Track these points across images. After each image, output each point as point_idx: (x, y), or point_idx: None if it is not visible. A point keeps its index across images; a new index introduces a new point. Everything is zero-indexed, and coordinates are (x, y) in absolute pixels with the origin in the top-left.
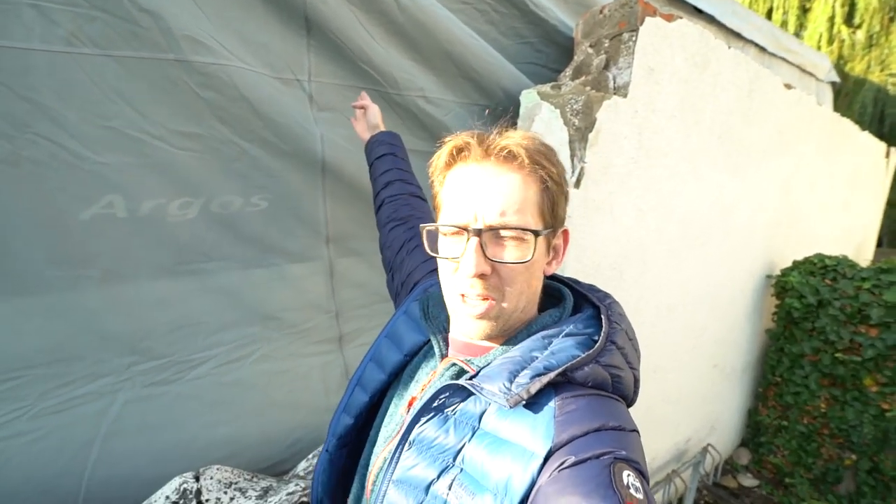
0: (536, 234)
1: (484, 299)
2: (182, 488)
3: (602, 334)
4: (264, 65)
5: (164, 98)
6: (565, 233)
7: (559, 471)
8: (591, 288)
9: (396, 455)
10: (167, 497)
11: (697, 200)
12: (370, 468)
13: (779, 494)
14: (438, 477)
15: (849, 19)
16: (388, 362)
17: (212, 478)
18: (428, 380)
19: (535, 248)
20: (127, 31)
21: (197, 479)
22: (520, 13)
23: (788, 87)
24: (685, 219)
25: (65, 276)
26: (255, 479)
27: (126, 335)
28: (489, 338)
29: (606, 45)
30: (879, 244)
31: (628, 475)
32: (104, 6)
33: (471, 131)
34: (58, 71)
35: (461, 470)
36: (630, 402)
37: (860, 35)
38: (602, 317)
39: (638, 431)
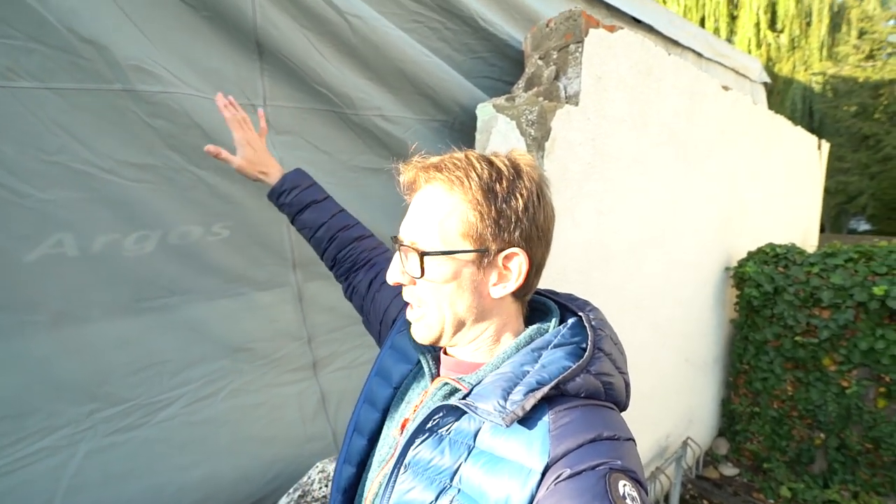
0: (423, 253)
1: (410, 307)
2: None
3: (589, 343)
4: (216, 90)
5: (112, 129)
6: (519, 256)
7: (555, 483)
8: (570, 297)
9: (392, 479)
10: None
11: (652, 199)
12: (365, 494)
13: (759, 480)
14: (436, 499)
15: (772, 25)
16: (380, 399)
17: None
18: (420, 400)
19: (422, 266)
20: (68, 63)
21: None
22: (471, 29)
23: (726, 88)
24: (642, 218)
25: (8, 323)
26: None
27: (83, 381)
28: (437, 344)
29: (555, 56)
30: (822, 230)
31: (624, 485)
32: (42, 38)
33: (413, 159)
34: None
35: (459, 490)
36: (623, 406)
37: (784, 39)
38: (585, 325)
39: (633, 440)
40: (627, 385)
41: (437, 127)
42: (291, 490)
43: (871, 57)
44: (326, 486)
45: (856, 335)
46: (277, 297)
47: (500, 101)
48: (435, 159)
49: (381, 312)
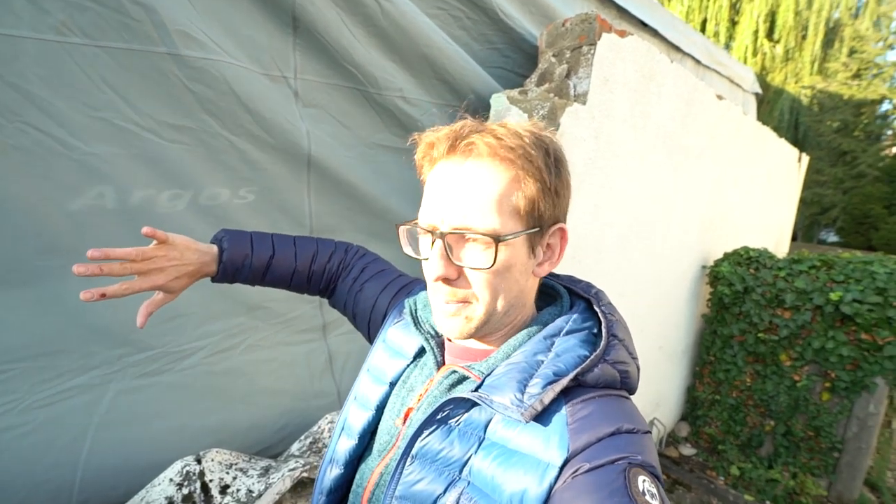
0: (498, 239)
1: (450, 302)
2: (185, 471)
3: (603, 330)
4: (252, 61)
5: (155, 90)
6: (562, 230)
7: (573, 477)
8: (571, 279)
9: (398, 471)
10: (171, 480)
11: (644, 196)
12: (364, 486)
13: (713, 460)
14: (445, 491)
15: (770, 34)
16: (374, 398)
17: (213, 460)
18: (424, 388)
19: (496, 255)
20: (118, 23)
21: (199, 461)
22: (490, 21)
23: (720, 97)
24: (634, 213)
25: (53, 266)
26: (253, 461)
27: (115, 327)
28: (471, 337)
29: (568, 55)
30: (795, 238)
31: (643, 480)
32: None
33: (441, 127)
34: (47, 59)
35: (468, 483)
36: (633, 392)
37: (779, 49)
38: (596, 309)
39: (650, 431)
40: (639, 370)
41: (452, 113)
42: (303, 437)
43: (857, 76)
44: None
45: (811, 335)
46: None
47: (514, 93)
48: (470, 128)
49: (369, 310)
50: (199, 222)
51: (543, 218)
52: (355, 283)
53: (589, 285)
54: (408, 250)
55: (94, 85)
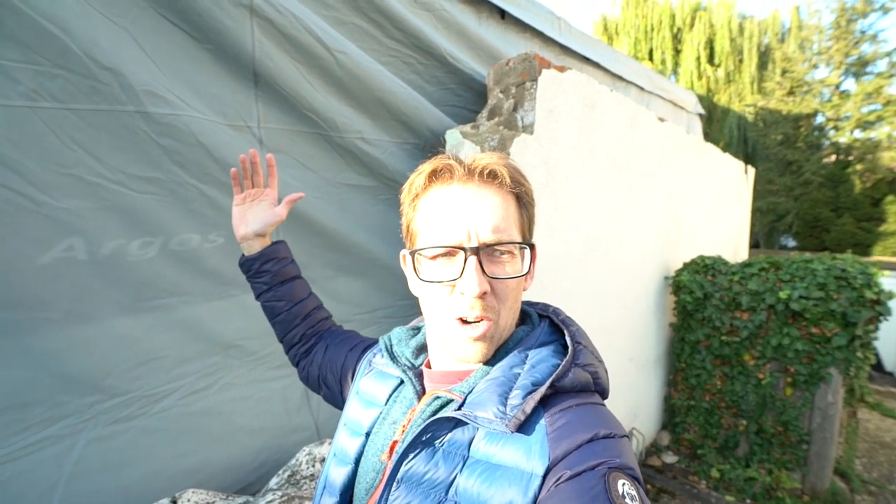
0: (528, 247)
1: (481, 320)
2: None
3: (568, 338)
4: (217, 114)
5: (124, 146)
6: (534, 249)
7: (556, 486)
8: (528, 302)
9: (384, 498)
10: None
11: (597, 216)
12: None
13: (694, 465)
14: None
15: (711, 59)
16: (352, 452)
17: (189, 500)
18: (408, 419)
19: (525, 262)
20: (87, 87)
21: (174, 502)
22: (440, 64)
23: (662, 120)
24: (590, 232)
25: (22, 319)
26: (230, 498)
27: (88, 374)
28: (481, 360)
29: (513, 91)
30: (757, 245)
31: (623, 484)
32: (65, 64)
33: (445, 155)
34: (18, 124)
35: (455, 503)
36: (606, 394)
37: (721, 72)
38: (557, 322)
39: (627, 435)
40: (607, 372)
41: (410, 149)
42: (281, 471)
43: (791, 93)
44: (313, 465)
45: (768, 333)
46: None
47: (467, 128)
48: (481, 160)
49: (339, 369)
50: (170, 266)
51: (531, 237)
52: (330, 346)
53: (546, 305)
54: (428, 276)
55: (64, 144)
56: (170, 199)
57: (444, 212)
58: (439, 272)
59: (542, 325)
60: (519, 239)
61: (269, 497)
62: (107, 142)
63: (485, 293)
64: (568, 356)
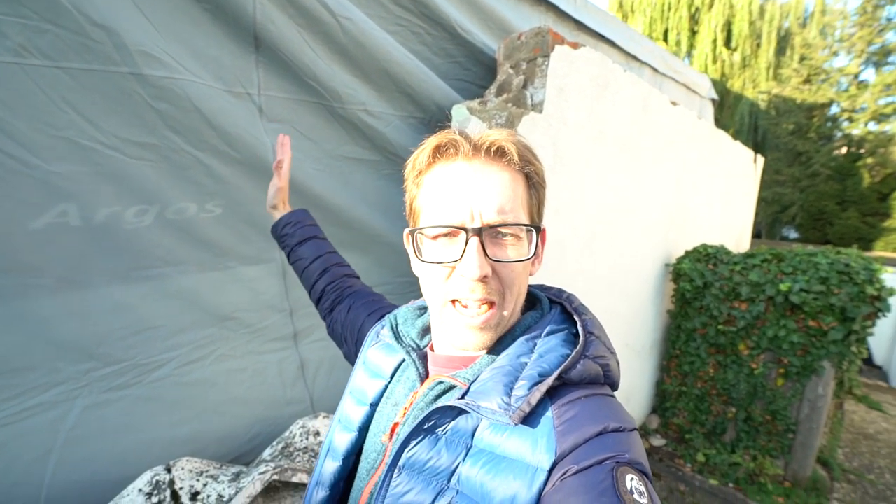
0: (534, 229)
1: (484, 304)
2: (154, 480)
3: (580, 327)
4: (215, 79)
5: (117, 109)
6: (543, 232)
7: (562, 480)
8: (542, 286)
9: (385, 484)
10: (140, 490)
11: (604, 199)
12: None
13: (681, 449)
14: (433, 501)
15: (728, 43)
16: (357, 420)
17: (183, 468)
18: (409, 402)
19: (532, 245)
20: (78, 44)
21: (168, 470)
22: (449, 35)
23: (674, 104)
24: (596, 215)
25: (15, 284)
26: (224, 467)
27: (82, 342)
28: (481, 349)
29: (524, 67)
30: (759, 236)
31: (631, 479)
32: (55, 19)
33: (450, 129)
34: (5, 81)
35: (457, 492)
36: (616, 386)
37: (737, 57)
38: (570, 310)
39: (636, 428)
40: (618, 364)
41: (415, 123)
42: (275, 442)
43: (808, 81)
44: (307, 438)
45: (765, 324)
46: (263, 271)
47: (474, 104)
48: (488, 136)
49: (356, 332)
50: (165, 236)
51: (540, 219)
52: (353, 307)
53: (560, 290)
54: (428, 257)
55: (55, 105)
56: (165, 166)
57: (447, 190)
58: (440, 253)
59: (553, 311)
60: (526, 221)
61: (263, 468)
62: (100, 104)
63: (486, 276)
64: (578, 347)
